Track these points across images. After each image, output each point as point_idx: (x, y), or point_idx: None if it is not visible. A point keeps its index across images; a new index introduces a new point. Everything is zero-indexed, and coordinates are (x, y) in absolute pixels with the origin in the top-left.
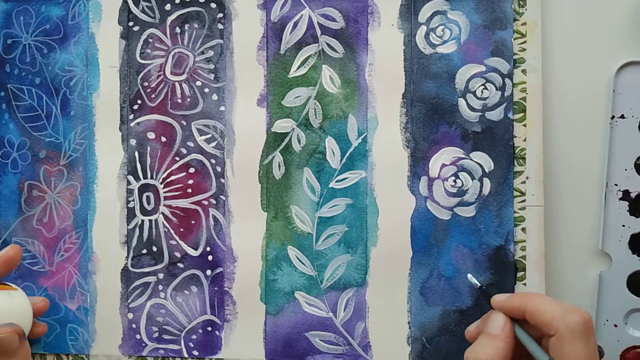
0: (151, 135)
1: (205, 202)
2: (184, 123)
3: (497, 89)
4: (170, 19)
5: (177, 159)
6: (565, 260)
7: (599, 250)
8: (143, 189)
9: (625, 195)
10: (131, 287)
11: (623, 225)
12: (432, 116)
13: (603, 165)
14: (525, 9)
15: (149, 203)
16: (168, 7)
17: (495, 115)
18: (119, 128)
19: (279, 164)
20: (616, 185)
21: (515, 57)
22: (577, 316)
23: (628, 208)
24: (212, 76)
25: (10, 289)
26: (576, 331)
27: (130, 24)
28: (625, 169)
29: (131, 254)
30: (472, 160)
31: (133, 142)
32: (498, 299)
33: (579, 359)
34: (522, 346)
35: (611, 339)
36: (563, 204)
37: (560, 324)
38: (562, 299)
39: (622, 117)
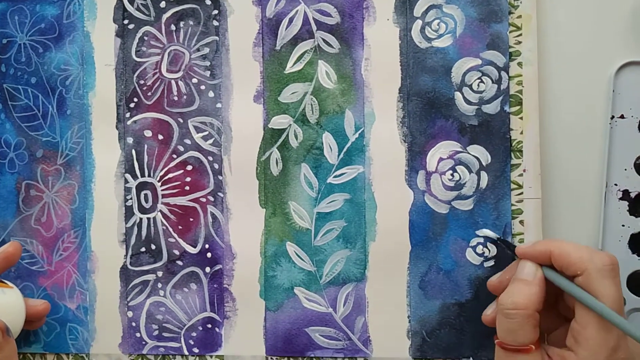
0: (148, 133)
1: (203, 200)
2: (181, 120)
3: (493, 82)
4: (165, 16)
5: (175, 156)
6: None
7: (598, 250)
8: (141, 187)
9: (625, 195)
10: (130, 286)
11: (623, 225)
12: (428, 110)
13: (603, 165)
14: (520, 2)
15: (146, 201)
16: (163, 4)
17: (491, 108)
18: (116, 126)
19: (277, 160)
20: (616, 185)
21: (510, 50)
22: (604, 256)
23: (628, 208)
24: (208, 73)
25: (5, 287)
26: (604, 270)
27: (126, 22)
28: (625, 169)
29: (130, 253)
30: (469, 154)
31: (130, 140)
32: (523, 247)
33: (607, 295)
34: (548, 292)
35: None
36: (562, 202)
37: (588, 264)
38: None
39: (622, 117)
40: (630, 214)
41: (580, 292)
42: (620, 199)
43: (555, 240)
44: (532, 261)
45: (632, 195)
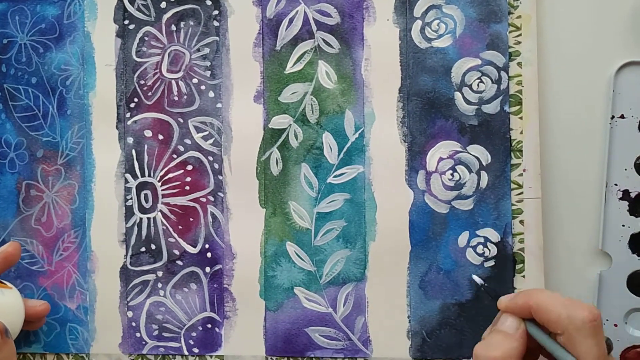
0: (148, 133)
1: (204, 200)
2: (181, 120)
3: (493, 82)
4: (165, 16)
5: (175, 156)
6: (565, 260)
7: (599, 250)
8: (141, 187)
9: (625, 195)
10: (130, 286)
11: (623, 225)
12: (428, 110)
13: (603, 165)
14: (520, 2)
15: (147, 201)
16: (163, 5)
17: (491, 108)
18: (116, 126)
19: (277, 160)
20: (616, 185)
21: (510, 50)
22: (583, 313)
23: (628, 208)
24: (208, 73)
25: (4, 287)
26: (584, 329)
27: (126, 22)
28: (625, 169)
29: (130, 252)
30: (469, 154)
31: (130, 140)
32: (504, 301)
33: (589, 354)
34: (530, 342)
35: (611, 339)
36: (562, 202)
37: (567, 324)
38: None
39: (622, 117)
40: (631, 214)
41: (563, 353)
42: (621, 199)
43: (536, 294)
44: (513, 314)
45: (632, 195)
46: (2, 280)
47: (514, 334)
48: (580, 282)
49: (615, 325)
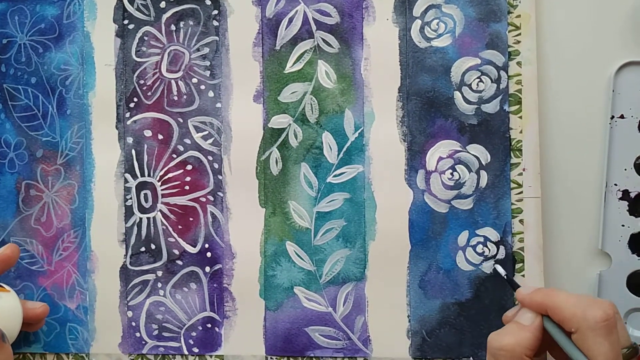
0: (148, 133)
1: (203, 199)
2: (181, 120)
3: (492, 82)
4: (165, 16)
5: (174, 156)
6: (564, 259)
7: (598, 250)
8: (140, 186)
9: (625, 195)
10: (130, 285)
11: (623, 225)
12: (428, 110)
13: (603, 165)
14: (519, 2)
15: (146, 201)
16: (163, 4)
17: (491, 107)
18: (116, 126)
19: (276, 160)
20: (616, 185)
21: (510, 49)
22: (597, 312)
23: (628, 208)
24: (207, 73)
25: (2, 291)
26: (597, 328)
27: (126, 22)
28: (625, 169)
29: (130, 252)
30: (469, 153)
31: (130, 140)
32: (522, 293)
33: (601, 354)
34: (550, 338)
35: None
36: (562, 201)
37: (581, 322)
38: None
39: (622, 117)
40: (630, 214)
41: (575, 352)
42: (620, 199)
43: (552, 293)
44: (529, 308)
45: (632, 195)
46: (1, 284)
47: (529, 325)
48: (580, 282)
49: None
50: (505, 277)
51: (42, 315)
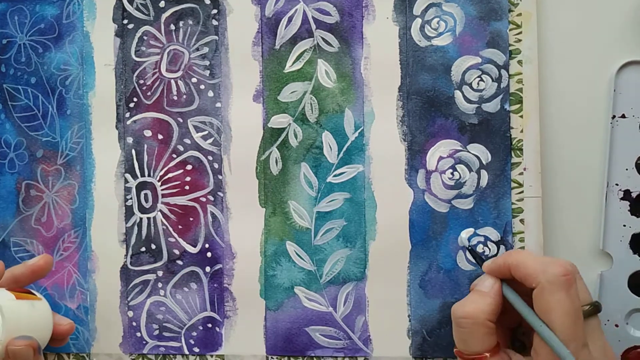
0: (148, 133)
1: (203, 199)
2: (180, 120)
3: (493, 81)
4: (164, 16)
5: (174, 156)
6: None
7: (599, 250)
8: (141, 186)
9: (626, 195)
10: (131, 285)
11: (624, 225)
12: (428, 109)
13: (604, 165)
14: (520, 0)
15: (146, 201)
16: (162, 4)
17: (491, 106)
18: (116, 126)
19: (276, 160)
20: (617, 185)
21: (510, 48)
22: (557, 267)
23: (629, 208)
24: (207, 73)
25: (35, 299)
26: (556, 282)
27: (125, 21)
28: (626, 169)
29: (130, 252)
30: (470, 153)
31: (130, 140)
32: (488, 262)
33: (558, 309)
34: (511, 306)
35: (612, 339)
36: (563, 201)
37: (540, 276)
38: None
39: (623, 116)
40: (632, 214)
41: (532, 316)
42: (622, 199)
43: (518, 253)
44: (494, 275)
45: (634, 195)
46: (32, 291)
47: (489, 291)
48: None
49: (616, 325)
50: (469, 248)
51: (68, 332)
